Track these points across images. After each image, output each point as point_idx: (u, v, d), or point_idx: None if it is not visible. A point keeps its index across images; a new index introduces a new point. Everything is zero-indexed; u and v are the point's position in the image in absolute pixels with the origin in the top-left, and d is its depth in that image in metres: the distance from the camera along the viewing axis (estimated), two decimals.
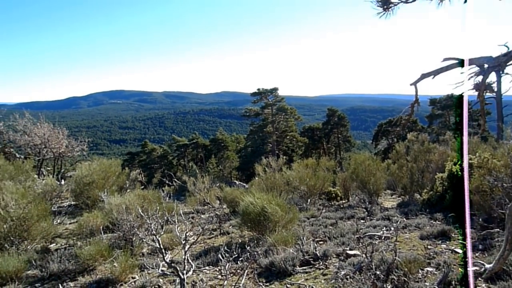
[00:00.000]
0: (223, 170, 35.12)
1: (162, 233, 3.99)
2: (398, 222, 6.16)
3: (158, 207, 5.10)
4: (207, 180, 12.00)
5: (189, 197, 11.58)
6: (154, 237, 3.65)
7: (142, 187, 13.04)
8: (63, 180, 13.16)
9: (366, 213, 7.71)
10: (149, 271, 4.68)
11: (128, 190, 10.93)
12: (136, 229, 5.43)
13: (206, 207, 10.71)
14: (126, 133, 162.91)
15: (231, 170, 36.09)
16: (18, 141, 17.45)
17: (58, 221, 8.18)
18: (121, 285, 4.43)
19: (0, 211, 5.64)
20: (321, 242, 5.74)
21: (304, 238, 5.23)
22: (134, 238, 5.65)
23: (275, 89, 34.24)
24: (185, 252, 3.50)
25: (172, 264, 3.41)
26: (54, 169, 17.76)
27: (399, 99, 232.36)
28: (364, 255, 3.58)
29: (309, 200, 9.52)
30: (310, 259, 4.72)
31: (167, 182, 16.57)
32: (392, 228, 5.82)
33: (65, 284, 4.55)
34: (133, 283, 4.43)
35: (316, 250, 4.82)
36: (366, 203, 8.23)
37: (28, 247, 5.89)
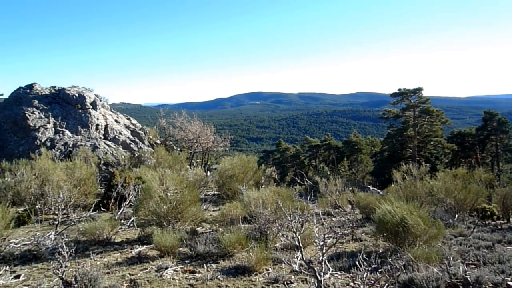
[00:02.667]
0: (355, 174, 33.92)
1: (302, 231, 4.05)
2: None
3: (293, 205, 5.20)
4: (339, 182, 11.73)
5: (320, 199, 11.53)
6: (294, 234, 3.73)
7: (275, 184, 13.59)
8: (208, 172, 14.71)
9: None
10: (281, 266, 4.83)
11: (263, 186, 11.55)
12: (270, 224, 5.66)
13: (337, 210, 10.49)
14: (262, 132, 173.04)
15: (365, 174, 34.56)
16: (176, 136, 20.40)
17: (204, 207, 9.20)
18: (256, 274, 4.69)
19: (163, 194, 6.66)
20: (473, 266, 4.95)
21: (451, 258, 4.58)
22: (268, 232, 5.91)
23: (419, 89, 31.21)
24: (323, 254, 3.47)
25: (311, 264, 3.42)
26: (202, 161, 20.12)
27: None
28: None
29: (456, 215, 8.35)
30: (458, 284, 4.11)
31: (298, 181, 16.88)
32: None
33: (208, 264, 5.08)
34: (266, 275, 4.64)
35: (466, 274, 4.16)
36: None
37: (181, 227, 6.80)
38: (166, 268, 4.83)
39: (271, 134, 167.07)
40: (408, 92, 31.49)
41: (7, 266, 5.44)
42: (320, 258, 3.48)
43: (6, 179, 10.84)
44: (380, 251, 5.52)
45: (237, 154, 15.15)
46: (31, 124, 16.23)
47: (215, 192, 11.89)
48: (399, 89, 31.84)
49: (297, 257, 4.58)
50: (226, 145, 20.91)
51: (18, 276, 4.97)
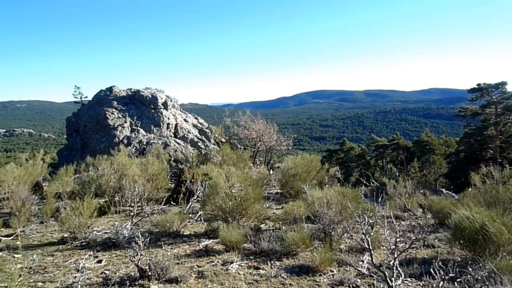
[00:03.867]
0: (427, 176, 31.74)
1: (372, 233, 3.91)
2: None
3: (360, 207, 5.04)
4: (409, 184, 11.07)
5: (388, 201, 10.99)
6: (364, 236, 3.62)
7: (339, 184, 13.26)
8: (271, 170, 14.81)
9: None
10: (346, 268, 4.70)
11: (326, 185, 11.33)
12: (335, 224, 5.54)
13: (406, 213, 9.91)
14: (325, 131, 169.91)
15: (437, 176, 32.19)
16: (240, 134, 20.88)
17: (267, 205, 9.29)
18: (320, 275, 4.62)
19: (228, 190, 6.86)
20: None
21: None
22: (333, 233, 5.79)
23: (502, 84, 28.13)
24: (395, 258, 3.31)
25: (381, 268, 3.29)
26: (265, 160, 20.34)
27: None
28: None
29: None
30: None
31: (364, 181, 16.28)
32: None
33: (272, 262, 5.13)
34: (331, 276, 4.56)
35: None
36: None
37: (245, 223, 6.95)
38: (232, 262, 4.98)
39: (334, 133, 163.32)
40: (489, 87, 28.57)
41: (91, 251, 6.03)
42: (391, 263, 3.31)
43: (89, 173, 12.00)
44: (457, 260, 5.12)
45: (300, 153, 15.05)
46: (110, 123, 17.76)
47: (278, 191, 11.94)
48: (479, 84, 29.03)
49: (364, 260, 4.42)
50: (289, 144, 20.91)
51: (100, 261, 5.47)
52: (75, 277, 4.73)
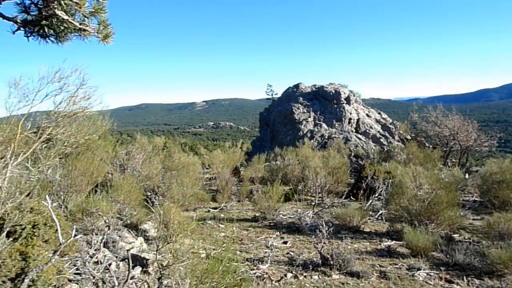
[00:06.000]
0: None
1: None
2: None
3: None
4: None
5: None
6: None
7: None
8: (467, 174, 12.83)
9: None
10: None
11: None
12: None
13: None
14: None
15: None
16: (429, 131, 18.82)
17: (461, 213, 8.09)
18: None
19: (415, 191, 6.32)
20: None
21: None
22: None
23: None
24: None
25: None
26: (459, 161, 17.68)
27: None
28: None
29: None
30: None
31: None
32: None
33: (469, 278, 4.44)
34: None
35: None
36: None
37: (434, 230, 6.25)
38: (419, 269, 4.58)
39: None
40: None
41: (278, 232, 6.66)
42: None
43: (277, 162, 13.24)
44: None
45: (509, 156, 12.41)
46: (296, 118, 19.06)
47: (476, 199, 10.21)
48: None
49: None
50: (492, 144, 17.51)
51: (285, 242, 5.99)
52: (266, 252, 5.33)
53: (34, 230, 3.36)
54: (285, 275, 4.27)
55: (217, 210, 8.73)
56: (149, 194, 7.87)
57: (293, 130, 18.83)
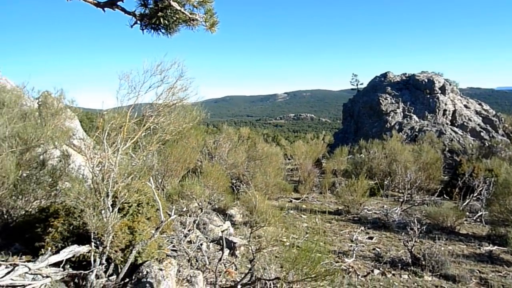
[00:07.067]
0: None
1: None
2: None
3: None
4: None
5: None
6: None
7: None
8: None
9: None
10: None
11: None
12: None
13: None
14: None
15: None
16: None
17: None
18: None
19: None
20: None
21: None
22: None
23: None
24: None
25: None
26: None
27: None
28: None
29: None
30: None
31: None
32: None
33: None
34: None
35: None
36: None
37: None
38: None
39: None
40: None
41: (363, 227, 6.46)
42: None
43: (361, 155, 12.76)
44: None
45: None
46: (383, 109, 18.07)
47: None
48: None
49: None
50: None
51: (371, 238, 5.79)
52: (350, 246, 5.22)
53: (139, 208, 3.78)
54: (372, 271, 4.13)
55: (299, 200, 8.77)
56: (234, 181, 8.24)
57: (379, 122, 17.88)
